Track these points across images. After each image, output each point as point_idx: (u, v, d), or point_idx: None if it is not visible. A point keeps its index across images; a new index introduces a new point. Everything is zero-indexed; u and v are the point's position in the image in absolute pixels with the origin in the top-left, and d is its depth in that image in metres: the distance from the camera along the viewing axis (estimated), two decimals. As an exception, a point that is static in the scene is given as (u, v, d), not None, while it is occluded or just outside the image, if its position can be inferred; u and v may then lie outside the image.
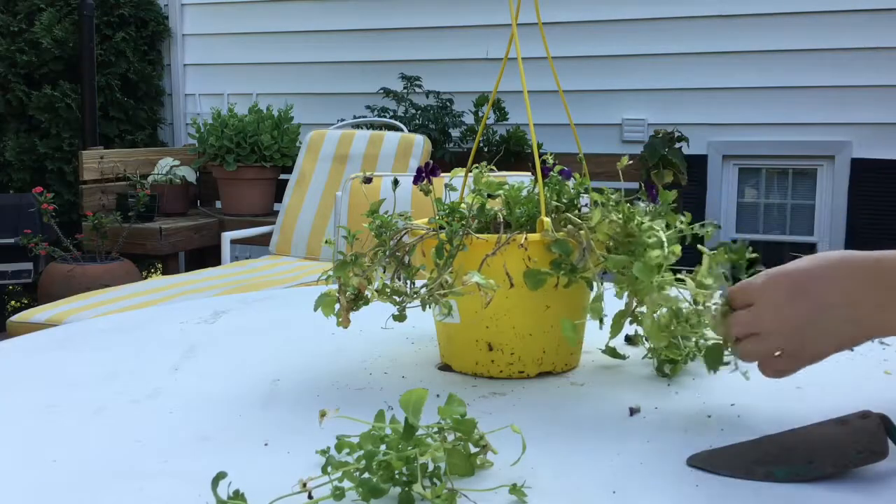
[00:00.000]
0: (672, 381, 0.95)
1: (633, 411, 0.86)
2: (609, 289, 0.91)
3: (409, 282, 0.94)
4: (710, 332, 0.93)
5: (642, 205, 0.95)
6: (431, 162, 1.03)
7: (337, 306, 0.92)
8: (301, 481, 0.62)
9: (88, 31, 4.12)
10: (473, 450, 0.70)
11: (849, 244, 3.68)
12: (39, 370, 1.04)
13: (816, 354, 0.80)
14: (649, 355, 1.01)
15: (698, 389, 0.92)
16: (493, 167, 1.05)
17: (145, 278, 4.09)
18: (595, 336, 1.01)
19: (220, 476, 0.61)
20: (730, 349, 0.84)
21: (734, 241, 0.88)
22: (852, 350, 0.82)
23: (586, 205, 1.01)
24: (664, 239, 0.88)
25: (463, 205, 1.02)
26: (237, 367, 1.03)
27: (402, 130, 3.72)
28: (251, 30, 4.73)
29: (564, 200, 0.99)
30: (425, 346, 1.10)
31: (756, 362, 0.82)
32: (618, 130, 4.10)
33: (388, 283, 0.93)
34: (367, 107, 4.13)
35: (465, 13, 4.27)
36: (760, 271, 0.82)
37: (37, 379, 1.00)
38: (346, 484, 0.63)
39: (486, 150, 3.98)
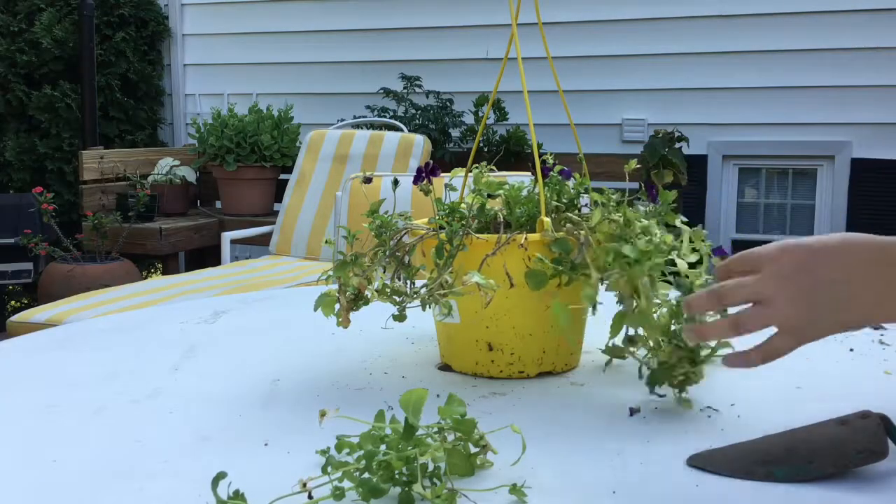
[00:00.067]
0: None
1: (633, 411, 0.86)
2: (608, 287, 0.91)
3: (409, 282, 0.94)
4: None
5: (642, 208, 0.95)
6: (431, 162, 1.03)
7: (337, 306, 0.92)
8: (301, 481, 0.62)
9: (88, 31, 4.12)
10: (473, 450, 0.70)
11: (849, 244, 3.67)
12: (39, 370, 1.04)
13: (817, 332, 0.78)
14: (650, 355, 1.01)
15: (698, 389, 0.92)
16: (493, 167, 1.05)
17: (145, 278, 4.09)
18: (595, 336, 1.01)
19: (220, 476, 0.61)
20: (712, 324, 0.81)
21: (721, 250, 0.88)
22: (857, 329, 0.80)
23: (586, 205, 1.01)
24: (656, 228, 0.88)
25: (463, 205, 1.02)
26: (237, 367, 1.03)
27: (402, 130, 3.72)
28: (251, 30, 4.73)
29: (564, 200, 0.99)
30: (425, 346, 1.10)
31: (753, 330, 0.79)
32: (618, 130, 4.10)
33: (388, 283, 0.93)
34: (367, 107, 4.13)
35: (465, 13, 4.27)
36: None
37: (37, 379, 1.00)
38: (346, 484, 0.63)
39: (486, 150, 3.98)
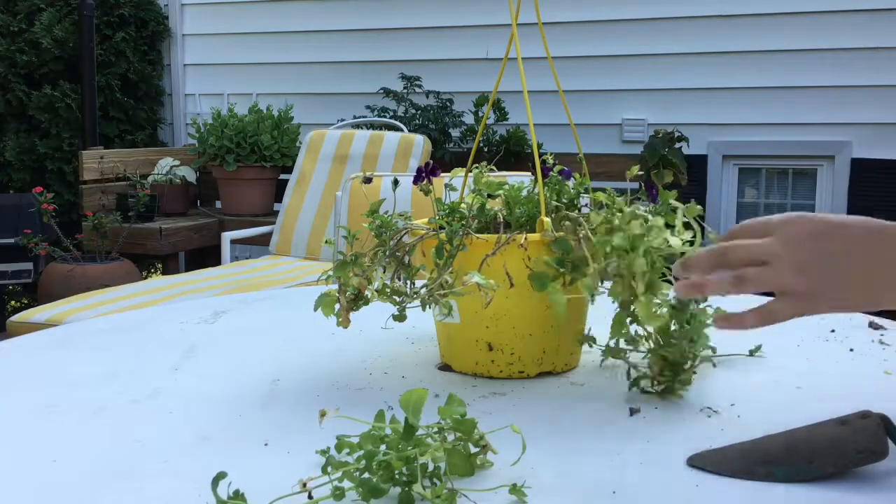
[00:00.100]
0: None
1: (633, 411, 0.86)
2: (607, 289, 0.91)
3: (409, 282, 0.94)
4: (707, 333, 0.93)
5: (642, 209, 0.95)
6: (431, 162, 1.03)
7: (337, 306, 0.92)
8: (301, 481, 0.62)
9: (88, 31, 4.12)
10: (473, 450, 0.70)
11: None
12: (39, 370, 1.04)
13: (816, 306, 0.77)
14: (649, 355, 1.01)
15: (698, 389, 0.92)
16: (493, 167, 1.05)
17: (145, 278, 4.09)
18: (595, 336, 1.01)
19: (220, 476, 0.61)
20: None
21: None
22: (850, 312, 0.78)
23: (586, 205, 1.01)
24: (648, 216, 0.88)
25: (463, 205, 1.02)
26: (237, 367, 1.03)
27: (402, 130, 3.72)
28: (251, 30, 4.73)
29: (564, 200, 0.99)
30: (425, 346, 1.10)
31: (751, 290, 0.77)
32: (618, 130, 4.10)
33: (388, 283, 0.93)
34: (367, 107, 4.13)
35: (465, 13, 4.27)
36: None
37: (37, 379, 1.00)
38: (346, 484, 0.63)
39: (486, 150, 3.98)
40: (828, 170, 3.83)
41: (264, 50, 4.71)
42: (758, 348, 1.06)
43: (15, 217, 3.88)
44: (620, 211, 0.91)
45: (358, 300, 0.91)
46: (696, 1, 3.91)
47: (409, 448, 0.64)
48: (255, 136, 3.98)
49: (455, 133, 4.06)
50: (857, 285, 0.75)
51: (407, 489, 0.64)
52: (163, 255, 3.90)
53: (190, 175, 4.28)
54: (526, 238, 0.91)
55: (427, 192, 1.00)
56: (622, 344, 0.94)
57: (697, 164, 3.86)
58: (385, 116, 4.02)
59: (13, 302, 4.49)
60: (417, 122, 3.99)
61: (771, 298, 0.78)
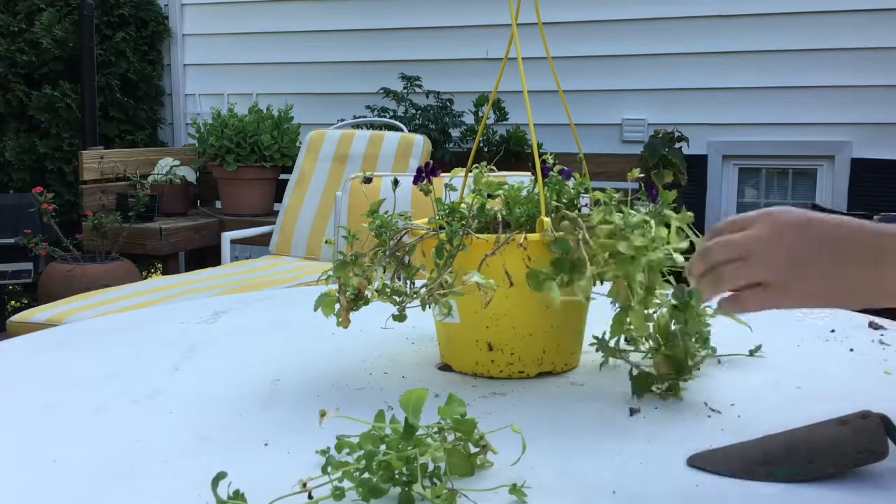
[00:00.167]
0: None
1: (633, 411, 0.86)
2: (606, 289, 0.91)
3: (409, 282, 0.94)
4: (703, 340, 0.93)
5: (643, 209, 0.95)
6: (431, 162, 1.03)
7: (337, 306, 0.92)
8: (301, 481, 0.62)
9: (88, 31, 4.12)
10: (473, 450, 0.70)
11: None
12: (39, 370, 1.04)
13: (806, 294, 0.75)
14: (649, 355, 1.01)
15: (698, 389, 0.92)
16: (493, 167, 1.05)
17: (145, 278, 4.09)
18: (594, 335, 1.01)
19: (220, 476, 0.61)
20: (697, 281, 0.80)
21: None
22: (835, 307, 0.78)
23: (586, 205, 1.01)
24: (652, 222, 0.88)
25: (463, 205, 1.02)
26: (237, 367, 1.03)
27: (402, 130, 3.72)
28: (251, 30, 4.73)
29: (564, 200, 0.99)
30: (425, 346, 1.10)
31: (729, 290, 0.77)
32: (618, 130, 4.10)
33: (388, 283, 0.93)
34: (367, 107, 4.13)
35: (465, 13, 4.27)
36: None
37: (37, 379, 1.00)
38: (346, 484, 0.63)
39: (486, 150, 3.98)
40: (828, 170, 3.83)
41: (264, 50, 4.71)
42: (758, 348, 1.06)
43: (15, 217, 3.88)
44: (620, 211, 0.91)
45: (358, 300, 0.91)
46: (696, 1, 3.91)
47: (409, 448, 0.64)
48: (255, 136, 3.98)
49: (455, 133, 4.06)
50: (827, 280, 0.74)
51: (407, 489, 0.64)
52: (163, 255, 3.90)
53: (190, 175, 4.28)
54: (526, 238, 0.91)
55: (427, 192, 1.00)
56: (622, 344, 0.94)
57: (697, 164, 3.86)
58: (385, 116, 4.02)
59: (13, 302, 4.49)
60: (417, 122, 3.99)
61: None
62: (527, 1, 1.02)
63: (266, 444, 0.78)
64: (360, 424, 0.69)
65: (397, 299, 0.93)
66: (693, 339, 0.92)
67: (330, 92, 4.57)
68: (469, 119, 4.08)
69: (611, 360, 1.02)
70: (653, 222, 0.88)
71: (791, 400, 0.90)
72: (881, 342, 1.11)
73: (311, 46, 4.60)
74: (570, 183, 1.01)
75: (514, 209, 1.00)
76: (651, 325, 0.90)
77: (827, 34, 3.75)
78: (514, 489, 0.66)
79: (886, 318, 1.21)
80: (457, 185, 1.08)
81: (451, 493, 0.64)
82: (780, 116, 3.86)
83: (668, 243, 0.89)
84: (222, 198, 4.23)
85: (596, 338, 0.97)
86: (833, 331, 1.17)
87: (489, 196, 1.01)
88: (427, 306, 0.92)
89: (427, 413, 0.67)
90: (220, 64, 4.86)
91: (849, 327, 1.19)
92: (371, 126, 3.98)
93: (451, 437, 0.70)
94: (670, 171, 3.45)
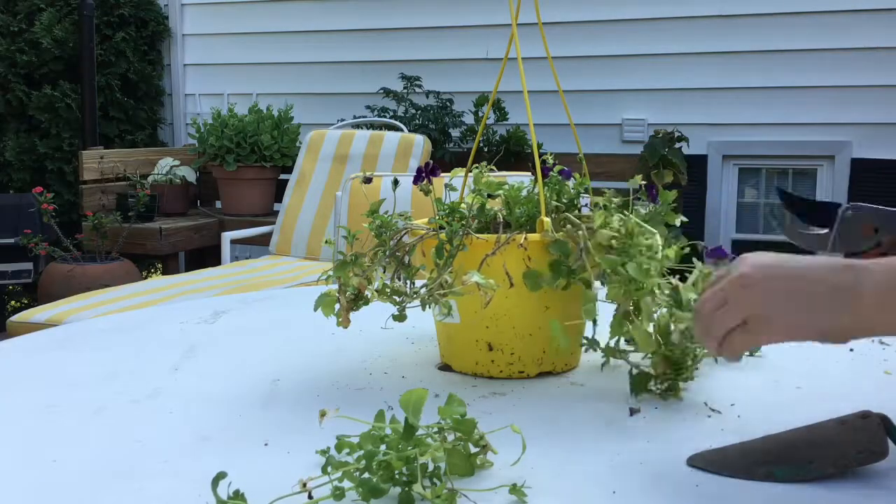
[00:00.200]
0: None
1: (633, 411, 0.86)
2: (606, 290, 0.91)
3: (409, 282, 0.94)
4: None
5: (643, 210, 0.95)
6: (431, 162, 1.03)
7: (337, 306, 0.92)
8: (301, 481, 0.62)
9: (88, 31, 4.12)
10: (473, 450, 0.70)
11: (849, 244, 3.66)
12: (39, 370, 1.04)
13: (790, 326, 0.73)
14: (649, 355, 1.01)
15: (698, 389, 0.92)
16: (493, 167, 1.05)
17: (145, 278, 4.09)
18: (595, 336, 1.01)
19: (220, 476, 0.61)
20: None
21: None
22: (844, 343, 0.78)
23: (586, 205, 1.01)
24: (660, 243, 0.88)
25: (463, 205, 1.02)
26: (237, 367, 1.03)
27: (402, 130, 3.72)
28: (251, 30, 4.73)
29: (564, 200, 0.99)
30: (425, 346, 1.10)
31: (720, 333, 0.75)
32: (618, 130, 4.10)
33: (388, 283, 0.93)
34: (367, 107, 4.13)
35: (465, 13, 4.27)
36: None
37: (37, 379, 1.00)
38: (346, 484, 0.63)
39: (486, 150, 3.98)
40: (828, 170, 3.83)
41: (264, 50, 4.70)
42: (758, 348, 1.06)
43: (15, 217, 3.88)
44: (620, 213, 0.91)
45: (358, 300, 0.91)
46: (696, 1, 3.91)
47: (409, 448, 0.64)
48: (255, 136, 3.98)
49: (455, 133, 4.05)
50: (810, 317, 0.72)
51: (407, 489, 0.64)
52: (163, 255, 3.90)
53: (190, 175, 4.28)
54: (526, 238, 0.91)
55: (427, 192, 1.00)
56: (622, 344, 0.94)
57: (697, 164, 3.86)
58: (385, 116, 4.01)
59: (13, 302, 4.49)
60: (417, 122, 3.98)
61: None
62: (527, 1, 1.02)
63: (266, 444, 0.78)
64: (360, 424, 0.69)
65: (397, 299, 0.93)
66: (693, 339, 0.92)
67: (330, 92, 4.57)
68: (469, 119, 4.08)
69: (611, 360, 1.02)
70: (659, 239, 0.88)
71: (791, 400, 0.90)
72: (881, 342, 1.11)
73: (311, 46, 4.60)
74: (570, 183, 1.01)
75: (514, 209, 1.00)
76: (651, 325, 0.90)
77: (827, 34, 3.75)
78: (514, 489, 0.66)
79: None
80: (457, 185, 1.08)
81: (451, 493, 0.64)
82: (780, 116, 3.86)
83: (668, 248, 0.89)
84: (222, 198, 4.23)
85: (587, 339, 0.96)
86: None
87: (489, 196, 1.01)
88: (427, 306, 0.92)
89: (427, 413, 0.67)
90: (220, 64, 4.86)
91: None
92: (371, 126, 3.98)
93: (451, 437, 0.70)
94: (670, 171, 3.46)
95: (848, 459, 0.69)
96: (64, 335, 1.22)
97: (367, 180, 1.06)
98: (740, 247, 3.97)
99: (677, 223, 0.95)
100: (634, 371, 0.91)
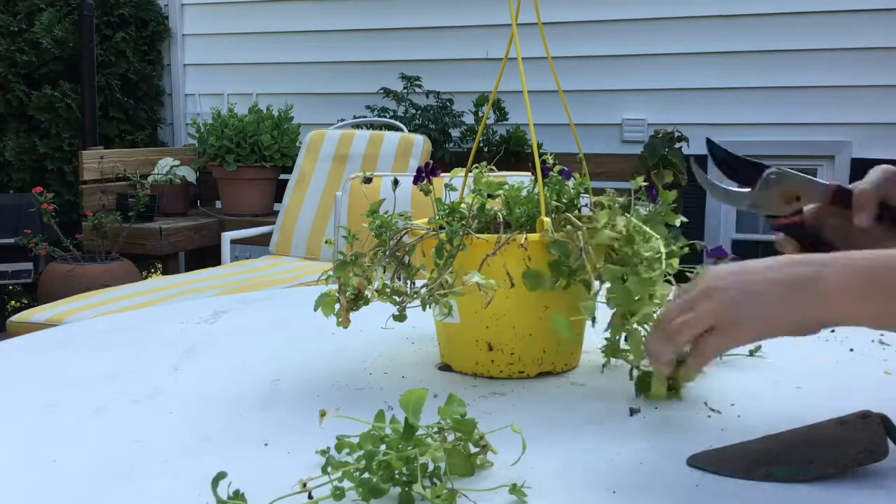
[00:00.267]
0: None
1: (633, 411, 0.86)
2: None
3: (409, 282, 0.94)
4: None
5: (642, 211, 0.95)
6: (431, 162, 1.03)
7: (337, 306, 0.92)
8: (301, 481, 0.62)
9: (88, 31, 4.12)
10: (473, 450, 0.70)
11: (849, 244, 3.67)
12: (39, 370, 1.04)
13: (755, 328, 0.75)
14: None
15: (698, 389, 0.92)
16: (493, 167, 1.05)
17: (145, 278, 4.09)
18: (595, 336, 1.01)
19: (220, 476, 0.61)
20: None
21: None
22: (828, 331, 0.76)
23: (586, 205, 1.01)
24: (663, 252, 0.88)
25: (463, 205, 1.02)
26: (237, 367, 1.03)
27: (402, 130, 3.72)
28: (251, 30, 4.73)
29: (564, 200, 0.99)
30: (425, 346, 1.10)
31: (687, 339, 0.76)
32: (618, 130, 4.10)
33: (388, 283, 0.93)
34: (367, 107, 4.13)
35: (465, 13, 4.27)
36: None
37: (37, 379, 1.00)
38: (346, 484, 0.63)
39: (486, 150, 3.98)
40: (828, 170, 3.83)
41: (264, 50, 4.71)
42: (758, 348, 1.06)
43: (15, 217, 3.88)
44: (622, 214, 0.91)
45: (358, 300, 0.91)
46: (696, 1, 3.91)
47: (409, 448, 0.64)
48: (255, 136, 3.98)
49: (455, 133, 4.06)
50: (779, 306, 0.73)
51: (407, 489, 0.64)
52: (163, 255, 3.90)
53: (190, 175, 4.28)
54: (526, 238, 0.91)
55: (427, 192, 1.00)
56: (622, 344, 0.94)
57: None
58: (385, 116, 4.02)
59: (13, 302, 4.49)
60: (417, 122, 3.99)
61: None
62: (527, 1, 1.02)
63: (266, 444, 0.78)
64: (360, 424, 0.69)
65: (397, 299, 0.93)
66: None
67: (330, 92, 4.57)
68: (469, 119, 4.08)
69: (611, 360, 1.02)
70: (662, 249, 0.88)
71: (791, 400, 0.90)
72: (881, 342, 1.11)
73: (311, 46, 4.60)
74: (570, 183, 1.01)
75: (515, 209, 1.00)
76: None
77: (827, 34, 3.75)
78: (514, 489, 0.66)
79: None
80: (457, 185, 1.08)
81: (451, 493, 0.64)
82: (780, 116, 3.86)
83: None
84: (222, 198, 4.24)
85: (607, 340, 0.96)
86: (833, 331, 1.17)
87: (489, 196, 1.01)
88: (427, 306, 0.92)
89: (427, 413, 0.67)
90: (220, 64, 4.86)
91: (849, 327, 1.18)
92: (371, 126, 3.98)
93: (451, 437, 0.70)
94: (670, 171, 3.44)
95: (848, 459, 0.69)
96: (64, 335, 1.22)
97: (367, 180, 1.06)
98: (740, 247, 3.97)
99: (677, 223, 0.95)
100: (636, 372, 0.91)
